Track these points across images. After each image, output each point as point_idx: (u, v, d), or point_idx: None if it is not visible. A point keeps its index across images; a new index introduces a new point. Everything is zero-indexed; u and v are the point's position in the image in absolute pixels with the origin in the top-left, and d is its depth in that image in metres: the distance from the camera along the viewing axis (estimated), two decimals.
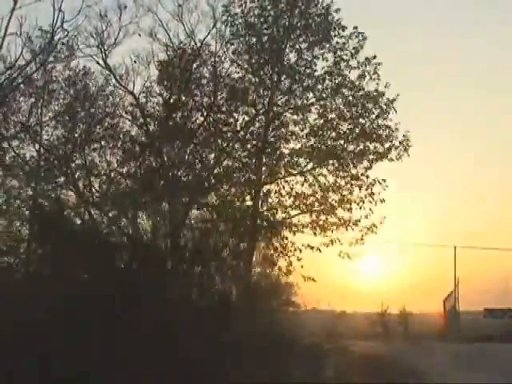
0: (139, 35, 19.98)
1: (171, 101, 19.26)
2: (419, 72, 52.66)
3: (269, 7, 20.89)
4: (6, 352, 12.17)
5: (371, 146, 20.95)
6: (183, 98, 19.58)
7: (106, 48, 19.75)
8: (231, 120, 20.45)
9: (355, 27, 20.67)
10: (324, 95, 20.94)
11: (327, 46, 20.71)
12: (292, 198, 20.96)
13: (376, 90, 20.79)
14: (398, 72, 45.31)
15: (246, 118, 20.73)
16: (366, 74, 20.72)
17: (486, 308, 40.78)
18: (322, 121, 21.00)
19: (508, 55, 53.67)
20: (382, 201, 20.91)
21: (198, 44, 20.15)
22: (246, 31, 20.84)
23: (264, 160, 20.77)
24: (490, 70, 51.95)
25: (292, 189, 21.00)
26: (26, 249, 17.95)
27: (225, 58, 20.57)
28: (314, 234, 20.83)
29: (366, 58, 20.75)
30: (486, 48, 53.98)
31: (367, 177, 20.91)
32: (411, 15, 52.83)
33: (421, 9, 53.04)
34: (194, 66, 19.72)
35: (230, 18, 20.65)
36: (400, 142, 20.94)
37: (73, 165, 19.35)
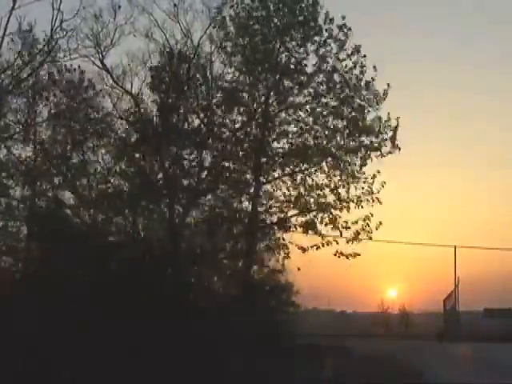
0: (134, 36, 19.97)
1: (167, 103, 19.24)
2: (419, 70, 52.63)
3: (259, 8, 20.89)
4: (5, 352, 12.16)
5: (366, 140, 20.90)
6: (178, 100, 19.55)
7: (102, 49, 19.73)
8: (227, 121, 20.42)
9: (343, 17, 20.65)
10: (319, 91, 20.92)
11: (318, 40, 20.70)
12: (288, 198, 20.90)
13: (366, 81, 20.79)
14: (398, 70, 45.28)
15: (243, 119, 20.67)
16: (356, 64, 20.72)
17: (486, 308, 40.78)
18: (315, 118, 20.95)
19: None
20: (379, 201, 20.84)
21: (195, 43, 20.13)
22: (238, 33, 20.87)
23: (261, 160, 20.71)
24: (490, 69, 51.78)
25: (288, 189, 20.96)
26: (25, 249, 17.95)
27: (219, 60, 20.61)
28: (305, 233, 20.73)
29: (355, 47, 20.72)
30: (486, 45, 53.77)
31: (363, 173, 20.87)
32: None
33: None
34: (188, 67, 19.67)
35: (221, 20, 20.70)
36: (393, 131, 20.87)
37: (69, 164, 19.31)
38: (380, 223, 20.65)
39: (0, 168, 18.98)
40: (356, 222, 20.54)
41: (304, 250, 20.54)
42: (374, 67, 20.68)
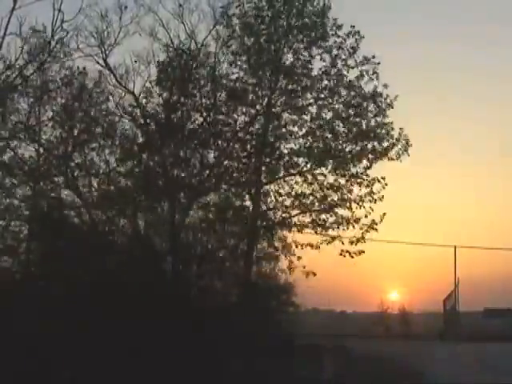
0: (140, 35, 19.95)
1: (170, 101, 19.21)
2: (420, 71, 52.60)
3: (265, 8, 20.86)
4: (5, 352, 12.16)
5: (369, 145, 20.95)
6: (182, 98, 19.52)
7: (106, 47, 19.71)
8: (230, 120, 20.40)
9: (352, 26, 20.62)
10: (322, 95, 20.94)
11: (324, 45, 20.67)
12: (291, 198, 20.92)
13: (374, 91, 20.76)
14: (399, 72, 45.30)
15: (246, 119, 20.66)
16: (365, 73, 20.71)
17: (486, 308, 40.78)
18: (319, 121, 20.95)
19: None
20: (381, 198, 20.90)
21: (199, 44, 20.11)
22: (244, 32, 20.83)
23: (263, 160, 20.71)
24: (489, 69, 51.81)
25: (292, 188, 20.97)
26: (26, 249, 17.96)
27: (224, 59, 20.56)
28: (316, 232, 20.83)
29: (365, 57, 20.71)
30: (486, 45, 53.81)
31: (367, 175, 20.90)
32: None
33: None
34: (193, 66, 19.65)
35: (227, 19, 20.66)
36: (397, 139, 20.93)
37: (72, 164, 19.30)
38: (384, 214, 20.78)
39: (4, 168, 18.99)
40: (359, 220, 20.68)
41: (317, 247, 20.69)
42: (385, 85, 20.77)
